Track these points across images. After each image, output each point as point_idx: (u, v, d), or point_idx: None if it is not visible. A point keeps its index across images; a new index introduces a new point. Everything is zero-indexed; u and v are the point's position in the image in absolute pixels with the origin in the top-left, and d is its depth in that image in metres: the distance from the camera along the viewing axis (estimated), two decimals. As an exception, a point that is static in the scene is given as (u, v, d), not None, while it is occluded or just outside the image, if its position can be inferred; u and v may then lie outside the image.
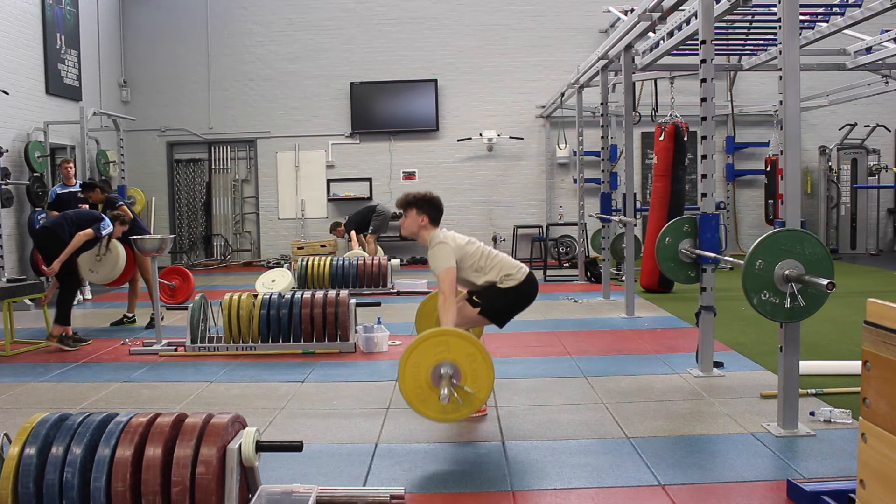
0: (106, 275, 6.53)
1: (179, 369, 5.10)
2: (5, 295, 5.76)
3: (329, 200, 12.39)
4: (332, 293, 5.62)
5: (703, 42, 4.37)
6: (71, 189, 8.21)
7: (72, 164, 8.45)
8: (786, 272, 3.23)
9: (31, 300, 7.48)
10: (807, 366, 4.07)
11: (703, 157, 4.40)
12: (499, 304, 3.93)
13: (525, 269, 3.98)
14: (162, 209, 12.47)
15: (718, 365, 4.58)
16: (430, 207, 3.98)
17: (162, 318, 6.74)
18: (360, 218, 10.42)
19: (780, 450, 3.24)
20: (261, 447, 2.51)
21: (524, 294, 3.95)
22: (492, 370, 3.37)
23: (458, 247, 3.88)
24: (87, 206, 7.65)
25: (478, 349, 3.35)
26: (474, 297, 3.94)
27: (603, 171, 7.92)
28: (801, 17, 6.04)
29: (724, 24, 6.55)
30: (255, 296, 5.62)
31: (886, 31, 7.17)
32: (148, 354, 5.52)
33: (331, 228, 10.91)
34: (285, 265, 9.46)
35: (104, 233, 6.08)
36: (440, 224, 4.02)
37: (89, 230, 5.92)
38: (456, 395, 3.30)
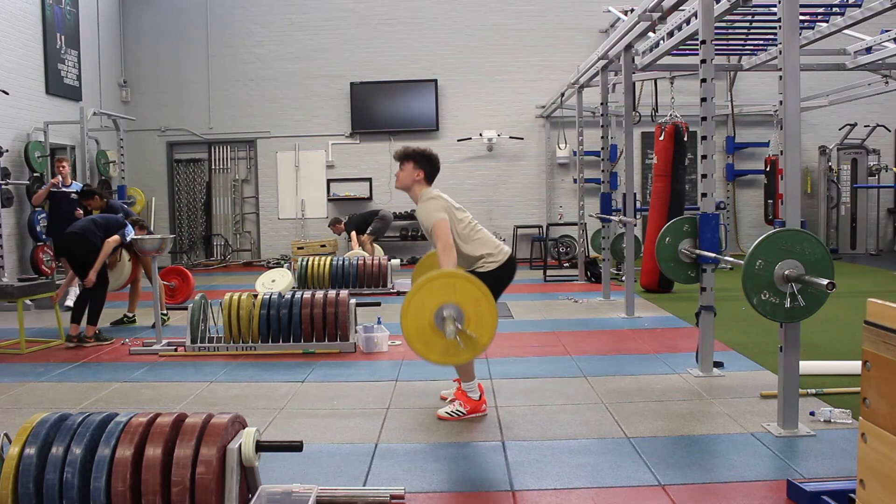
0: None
1: (179, 369, 5.10)
2: (22, 293, 5.84)
3: (329, 200, 12.39)
4: (332, 293, 5.62)
5: (703, 42, 4.37)
6: (65, 189, 8.03)
7: (66, 164, 8.23)
8: (786, 272, 3.23)
9: (30, 300, 7.47)
10: (807, 366, 4.06)
11: (703, 157, 4.40)
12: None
13: (506, 249, 3.94)
14: (162, 209, 12.47)
15: (718, 365, 4.58)
16: (427, 163, 3.94)
17: (168, 320, 6.78)
18: (362, 220, 10.41)
19: (780, 450, 3.24)
20: (261, 447, 2.51)
21: (503, 277, 3.90)
22: (496, 316, 3.33)
23: (450, 206, 3.85)
24: (81, 212, 7.64)
25: (483, 294, 3.31)
26: None
27: (603, 171, 7.92)
28: (801, 17, 6.04)
29: (724, 24, 6.55)
30: (255, 296, 5.62)
31: (886, 31, 7.17)
32: (148, 354, 5.52)
33: (330, 223, 10.87)
34: (285, 265, 9.46)
35: (129, 238, 6.14)
36: (434, 184, 3.98)
37: (116, 237, 5.98)
38: (458, 337, 3.27)
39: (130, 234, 6.18)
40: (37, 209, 8.80)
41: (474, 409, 3.82)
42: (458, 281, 3.35)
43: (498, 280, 3.85)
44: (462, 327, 3.28)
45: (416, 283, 3.37)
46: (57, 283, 6.52)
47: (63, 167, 8.14)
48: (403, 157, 3.96)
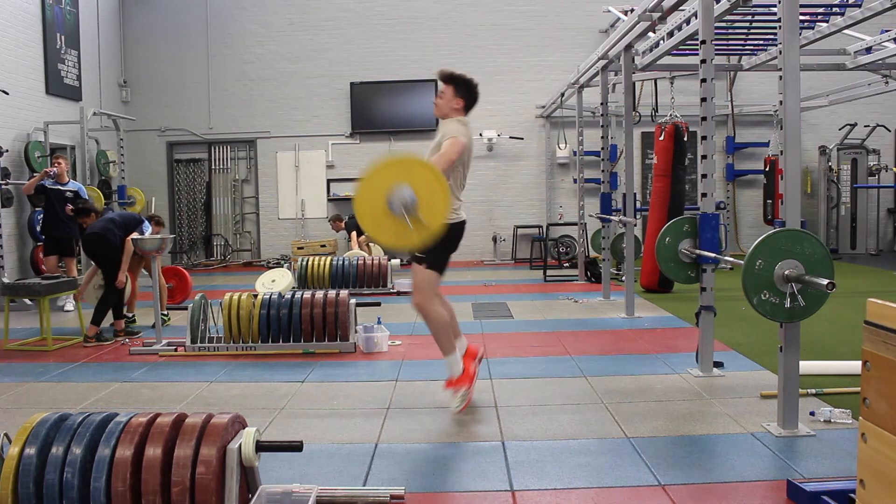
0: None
1: (179, 369, 5.10)
2: (48, 291, 5.93)
3: (329, 200, 12.39)
4: (332, 293, 5.62)
5: (703, 42, 4.37)
6: (60, 187, 7.77)
7: (64, 161, 7.94)
8: (786, 272, 3.22)
9: (30, 300, 7.48)
10: (807, 366, 4.06)
11: (703, 157, 4.40)
12: (437, 255, 3.85)
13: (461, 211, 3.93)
14: (162, 209, 12.45)
15: (718, 365, 4.58)
16: (468, 93, 3.94)
17: (168, 320, 6.78)
18: None
19: (780, 450, 3.23)
20: (261, 447, 2.51)
21: (456, 235, 3.89)
22: (448, 204, 3.37)
23: (469, 138, 3.86)
24: (69, 206, 7.58)
25: (439, 182, 3.33)
26: (417, 255, 3.85)
27: (603, 171, 7.92)
28: (801, 17, 6.04)
29: (724, 24, 6.56)
30: (255, 296, 5.62)
31: (886, 31, 7.17)
32: (148, 354, 5.52)
33: (331, 218, 10.83)
34: (285, 265, 9.46)
35: (147, 234, 6.28)
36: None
37: (135, 234, 6.10)
38: (408, 220, 3.26)
39: (148, 230, 6.35)
40: (37, 209, 8.80)
41: (468, 378, 3.86)
42: (414, 165, 3.36)
43: (453, 237, 3.84)
44: (414, 211, 3.26)
45: (374, 162, 3.36)
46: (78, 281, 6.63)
47: (60, 164, 7.88)
48: (448, 78, 3.94)
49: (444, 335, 3.85)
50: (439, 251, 3.81)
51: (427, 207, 3.29)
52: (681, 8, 5.55)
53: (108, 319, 6.45)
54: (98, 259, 6.05)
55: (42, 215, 8.09)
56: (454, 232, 3.84)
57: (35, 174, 8.95)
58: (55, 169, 7.77)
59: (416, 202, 3.26)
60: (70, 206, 7.69)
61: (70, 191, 7.80)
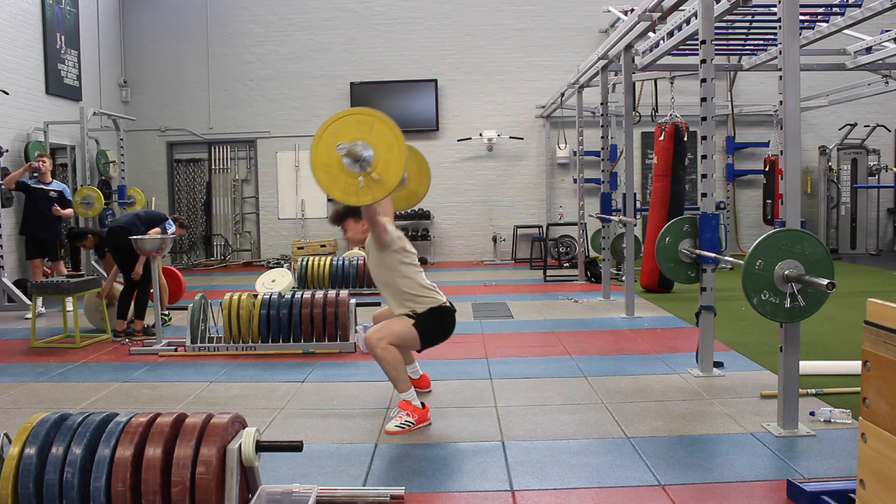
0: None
1: (179, 369, 5.10)
2: (77, 289, 5.98)
3: (329, 200, 12.37)
4: (332, 293, 5.62)
5: (703, 42, 4.37)
6: (43, 186, 7.62)
7: (47, 160, 7.77)
8: (786, 272, 3.22)
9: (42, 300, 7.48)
10: (807, 366, 4.07)
11: (703, 157, 4.39)
12: (432, 332, 3.75)
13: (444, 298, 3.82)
14: (162, 209, 12.44)
15: (718, 365, 4.58)
16: (357, 211, 3.85)
17: (169, 320, 6.78)
18: None
19: (780, 450, 3.24)
20: (261, 447, 2.51)
21: (443, 322, 3.77)
22: (403, 165, 3.22)
23: (402, 237, 3.80)
24: (57, 206, 7.53)
25: (397, 140, 3.22)
26: (414, 315, 3.73)
27: (603, 171, 7.92)
28: (801, 17, 6.04)
29: (724, 24, 6.56)
30: (255, 296, 5.62)
31: (886, 31, 7.17)
32: (148, 354, 5.52)
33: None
34: (285, 265, 9.46)
35: (170, 232, 6.39)
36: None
37: (157, 229, 6.23)
38: (361, 178, 3.19)
39: (171, 227, 6.46)
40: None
41: (422, 419, 3.67)
42: (376, 121, 3.25)
43: (436, 321, 3.73)
44: (369, 169, 3.20)
45: (334, 114, 3.29)
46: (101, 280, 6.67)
47: (44, 162, 7.68)
48: (339, 218, 3.97)
49: (399, 369, 3.66)
50: (437, 332, 3.75)
51: (383, 167, 3.20)
52: (681, 8, 5.55)
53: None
54: (118, 252, 6.10)
55: (24, 216, 7.80)
56: (444, 318, 3.75)
57: (35, 175, 8.96)
58: (39, 164, 7.57)
59: (371, 158, 3.20)
60: (57, 207, 7.61)
61: (54, 190, 7.63)
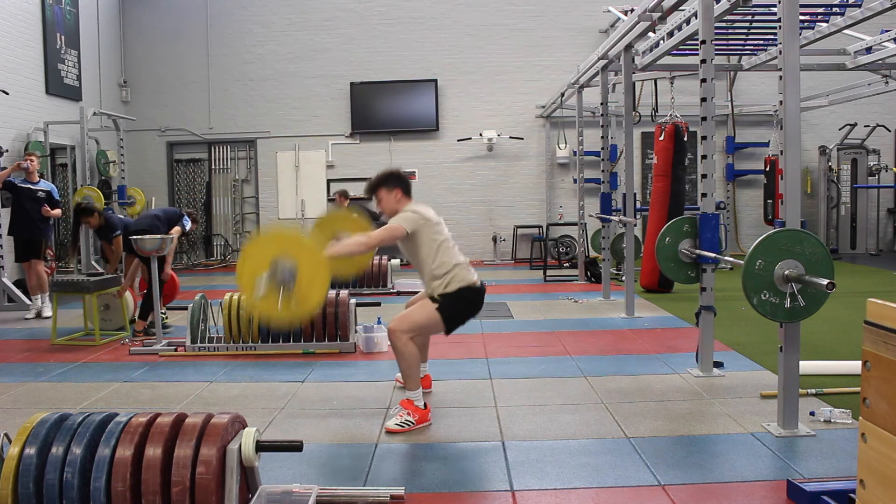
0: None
1: (179, 369, 5.10)
2: (98, 287, 6.05)
3: (329, 200, 12.37)
4: (332, 293, 5.62)
5: (703, 42, 4.37)
6: (31, 186, 7.45)
7: (35, 159, 7.58)
8: (786, 272, 3.22)
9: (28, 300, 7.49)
10: (807, 366, 4.06)
11: (703, 157, 4.40)
12: (457, 314, 3.77)
13: (476, 276, 3.82)
14: (162, 209, 12.46)
15: (718, 365, 4.58)
16: (396, 180, 3.91)
17: (166, 318, 6.77)
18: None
19: (780, 450, 3.24)
20: (261, 447, 2.51)
21: (471, 302, 3.79)
22: (324, 293, 3.47)
23: (424, 217, 3.78)
24: (47, 207, 7.46)
25: (322, 270, 3.39)
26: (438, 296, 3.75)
27: (603, 171, 7.92)
28: (801, 17, 6.04)
29: (724, 24, 6.55)
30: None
31: (886, 31, 7.17)
32: (148, 354, 5.52)
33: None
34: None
35: (187, 227, 6.47)
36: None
37: (178, 227, 6.29)
38: (281, 296, 3.32)
39: (188, 223, 6.50)
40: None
41: (422, 419, 3.68)
42: (308, 248, 3.44)
43: (460, 303, 3.74)
44: (290, 289, 3.33)
45: (270, 231, 3.52)
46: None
47: (32, 161, 7.49)
48: (372, 189, 3.96)
49: (414, 370, 3.69)
50: (462, 313, 3.76)
51: (304, 290, 3.34)
52: (681, 8, 5.55)
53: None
54: (145, 257, 6.05)
55: (11, 216, 7.59)
56: (471, 297, 3.76)
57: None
58: (27, 163, 7.41)
59: (294, 280, 3.33)
60: (46, 207, 7.49)
61: (42, 190, 7.49)
